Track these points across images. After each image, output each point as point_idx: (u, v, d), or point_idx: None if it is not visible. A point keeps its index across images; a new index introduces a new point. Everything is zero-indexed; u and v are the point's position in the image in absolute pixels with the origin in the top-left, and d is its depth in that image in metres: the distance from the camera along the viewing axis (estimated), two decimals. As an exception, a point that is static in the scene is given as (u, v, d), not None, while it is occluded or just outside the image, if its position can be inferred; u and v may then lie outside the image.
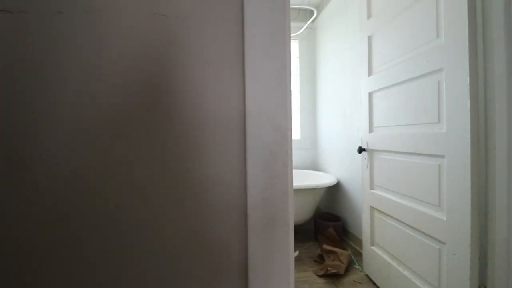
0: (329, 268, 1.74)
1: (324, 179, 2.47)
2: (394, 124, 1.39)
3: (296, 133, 3.09)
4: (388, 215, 1.46)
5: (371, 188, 1.66)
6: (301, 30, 2.52)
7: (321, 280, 1.70)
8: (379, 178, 1.57)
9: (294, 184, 2.15)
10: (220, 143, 0.54)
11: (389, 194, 1.46)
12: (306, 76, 3.05)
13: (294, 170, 2.87)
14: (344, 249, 2.03)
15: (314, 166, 3.06)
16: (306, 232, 2.51)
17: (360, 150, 1.69)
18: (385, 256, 1.51)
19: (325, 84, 2.75)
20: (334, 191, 2.56)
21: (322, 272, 1.74)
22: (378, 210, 1.57)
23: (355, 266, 1.86)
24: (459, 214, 1.00)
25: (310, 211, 2.31)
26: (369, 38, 1.62)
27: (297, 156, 3.03)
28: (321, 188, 2.26)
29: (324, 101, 2.78)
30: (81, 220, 0.50)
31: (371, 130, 1.64)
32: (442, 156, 1.09)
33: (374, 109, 1.60)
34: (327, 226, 2.22)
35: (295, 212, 2.18)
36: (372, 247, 1.65)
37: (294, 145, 3.01)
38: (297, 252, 2.09)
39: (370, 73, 1.62)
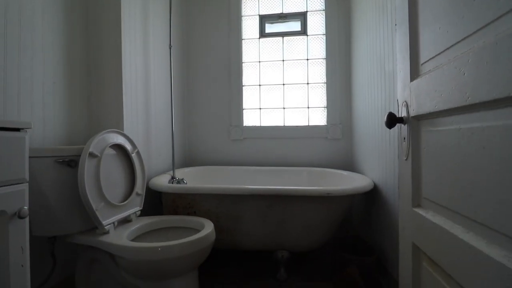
0: None
1: (350, 182, 1.56)
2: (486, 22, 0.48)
3: (319, 117, 2.19)
4: (454, 280, 0.55)
5: (416, 203, 0.74)
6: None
7: None
8: (433, 180, 0.65)
9: (292, 187, 1.34)
10: None
11: (458, 224, 0.55)
12: (336, 31, 2.13)
13: (307, 169, 2.01)
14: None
15: (349, 165, 2.11)
16: (317, 266, 1.62)
17: (392, 120, 0.79)
18: None
19: (364, 41, 1.80)
20: (370, 202, 1.60)
21: None
22: (431, 260, 0.66)
23: None
24: None
25: (322, 233, 1.44)
26: None
27: (321, 149, 2.14)
28: (338, 197, 1.36)
29: (362, 68, 1.84)
30: None
31: (415, 72, 0.73)
32: None
33: (422, 12, 0.69)
34: (348, 262, 1.32)
35: (290, 233, 1.36)
36: (417, 338, 0.73)
37: (318, 134, 2.13)
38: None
39: None
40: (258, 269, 1.57)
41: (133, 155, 1.26)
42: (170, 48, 1.79)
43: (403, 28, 0.78)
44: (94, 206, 0.98)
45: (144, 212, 1.52)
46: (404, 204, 0.80)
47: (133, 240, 1.10)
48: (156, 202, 1.72)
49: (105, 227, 1.02)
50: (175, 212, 1.45)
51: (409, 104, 0.76)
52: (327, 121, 2.15)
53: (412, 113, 0.74)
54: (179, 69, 2.20)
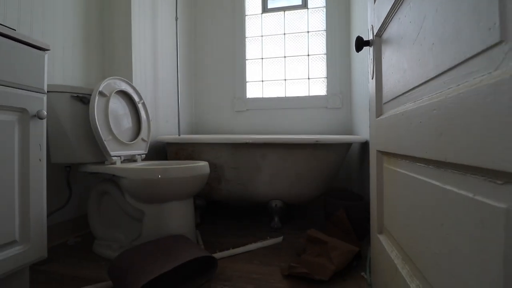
0: (292, 264, 0.97)
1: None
2: None
3: (320, 88, 2.26)
4: (404, 156, 0.62)
5: (379, 113, 0.82)
6: None
7: (283, 284, 0.95)
8: (390, 84, 0.73)
9: (284, 136, 1.43)
10: None
11: (402, 105, 0.63)
12: (335, 2, 2.19)
13: (301, 136, 2.09)
14: (357, 243, 1.18)
15: (349, 132, 2.16)
16: (312, 219, 1.71)
17: (360, 43, 0.86)
18: (394, 254, 0.67)
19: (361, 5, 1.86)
20: (363, 162, 1.66)
21: (286, 272, 0.98)
22: (387, 154, 0.73)
23: (362, 273, 1.02)
24: None
25: (313, 182, 1.52)
26: None
27: (321, 118, 2.20)
28: (327, 145, 1.43)
29: (360, 34, 1.89)
30: None
31: (376, -8, 0.81)
32: None
33: None
34: (338, 207, 1.39)
35: (283, 182, 1.45)
36: (379, 236, 0.80)
37: (318, 104, 2.20)
38: (280, 238, 1.35)
39: None
40: (254, 220, 1.67)
41: (139, 105, 1.41)
42: (176, 20, 1.93)
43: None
44: (103, 137, 1.13)
45: (151, 164, 1.67)
46: (372, 118, 0.88)
47: (137, 173, 1.24)
48: (162, 158, 1.87)
49: (113, 158, 1.17)
50: (178, 163, 1.59)
51: (374, 26, 0.83)
52: (327, 91, 2.21)
53: (375, 32, 0.81)
54: (186, 42, 2.34)
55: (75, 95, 1.13)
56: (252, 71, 2.38)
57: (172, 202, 1.12)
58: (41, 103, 0.83)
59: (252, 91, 2.38)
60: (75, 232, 1.40)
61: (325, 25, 2.22)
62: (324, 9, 2.22)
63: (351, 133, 2.14)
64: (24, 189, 0.79)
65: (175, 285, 0.91)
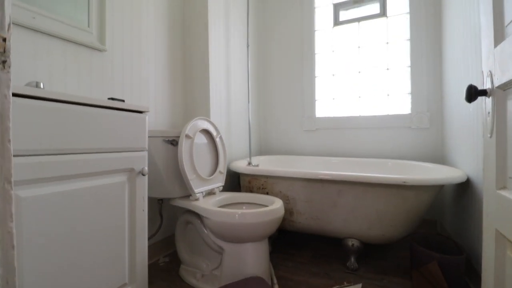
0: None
1: (436, 175, 1.40)
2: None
3: (402, 105, 2.01)
4: None
5: (500, 185, 0.66)
6: None
7: None
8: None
9: (364, 174, 1.33)
10: None
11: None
12: (422, 7, 1.90)
13: (384, 160, 1.89)
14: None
15: (439, 157, 1.87)
16: (392, 261, 1.53)
17: (472, 93, 0.72)
18: None
19: (457, 11, 1.57)
20: (466, 199, 1.40)
21: None
22: (515, 243, 0.59)
23: None
24: None
25: (397, 225, 1.36)
26: None
27: (403, 140, 1.97)
28: (416, 187, 1.26)
29: (456, 45, 1.60)
30: None
31: (499, 35, 0.66)
32: None
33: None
34: (429, 259, 1.21)
35: (361, 221, 1.35)
36: (500, 334, 0.65)
37: (399, 124, 1.98)
38: (359, 286, 1.26)
39: None
40: (327, 254, 1.59)
41: (217, 140, 1.50)
42: (247, 47, 1.99)
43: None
44: (189, 176, 1.24)
45: (225, 189, 1.79)
46: (488, 187, 0.72)
47: (216, 208, 1.32)
48: (235, 183, 1.96)
49: (196, 195, 1.28)
50: (251, 191, 1.64)
51: (493, 73, 0.68)
52: (412, 109, 1.95)
53: (496, 83, 0.66)
54: (255, 64, 2.39)
55: (166, 139, 1.28)
56: (322, 88, 2.28)
57: (249, 243, 1.16)
58: (143, 161, 0.95)
59: (322, 109, 2.28)
60: (164, 251, 1.59)
61: (408, 33, 1.96)
62: (408, 16, 1.96)
63: (441, 158, 1.84)
64: (132, 238, 0.93)
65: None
